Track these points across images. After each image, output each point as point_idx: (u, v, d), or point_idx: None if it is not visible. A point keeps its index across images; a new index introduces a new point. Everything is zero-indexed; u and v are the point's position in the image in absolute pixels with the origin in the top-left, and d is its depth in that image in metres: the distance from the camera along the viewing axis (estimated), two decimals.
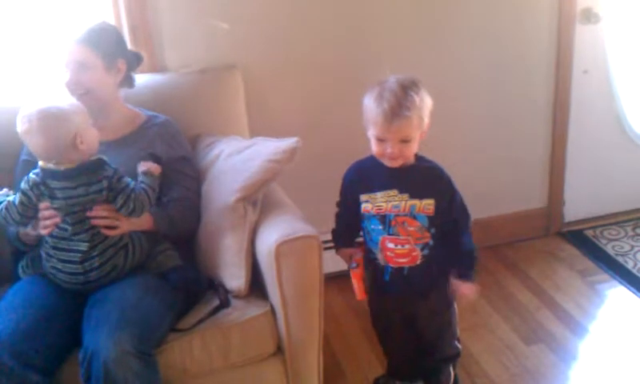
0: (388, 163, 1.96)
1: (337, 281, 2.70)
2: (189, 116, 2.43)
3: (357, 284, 2.07)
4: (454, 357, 2.28)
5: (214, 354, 1.98)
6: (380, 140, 1.91)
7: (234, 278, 2.10)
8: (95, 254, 1.94)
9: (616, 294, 2.97)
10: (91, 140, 1.94)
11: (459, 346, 2.27)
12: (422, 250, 2.02)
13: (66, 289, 1.97)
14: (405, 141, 1.90)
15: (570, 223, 3.56)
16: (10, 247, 2.14)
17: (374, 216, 2.00)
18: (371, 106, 1.90)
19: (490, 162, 3.30)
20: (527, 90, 3.23)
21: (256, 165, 2.09)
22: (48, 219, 1.93)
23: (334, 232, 2.18)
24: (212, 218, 2.13)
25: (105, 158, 1.97)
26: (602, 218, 3.58)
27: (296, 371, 2.08)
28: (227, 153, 2.25)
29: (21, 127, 1.88)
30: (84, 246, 1.93)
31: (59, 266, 1.96)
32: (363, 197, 2.01)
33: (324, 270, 2.00)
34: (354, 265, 2.08)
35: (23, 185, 1.92)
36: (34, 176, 1.91)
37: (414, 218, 1.97)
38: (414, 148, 1.95)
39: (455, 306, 2.18)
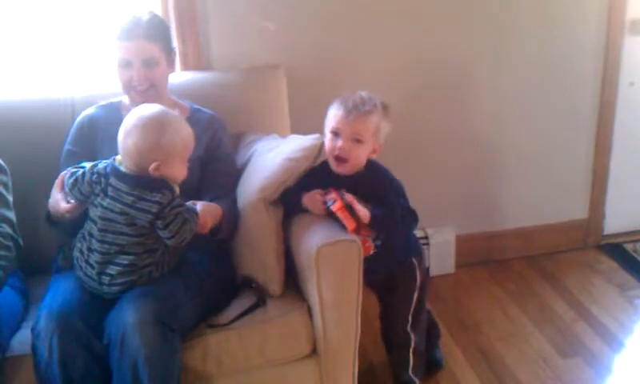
0: (335, 166, 2.09)
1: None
2: (232, 114, 2.43)
3: (342, 214, 1.97)
4: (405, 345, 2.31)
5: (250, 351, 2.00)
6: (335, 134, 2.07)
7: (267, 277, 2.11)
8: (107, 268, 1.89)
9: None
10: (174, 173, 1.90)
11: (412, 335, 2.30)
12: (374, 240, 2.11)
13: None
14: (357, 140, 2.05)
15: (608, 236, 3.51)
16: (58, 239, 2.16)
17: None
18: (334, 106, 2.10)
19: (532, 172, 3.27)
20: (572, 100, 3.20)
21: (277, 164, 2.08)
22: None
23: (284, 195, 2.10)
24: (243, 218, 2.13)
25: (175, 189, 1.90)
26: None
27: (331, 374, 2.08)
28: (259, 151, 2.26)
29: (132, 121, 1.85)
30: (98, 257, 1.89)
31: (82, 264, 1.93)
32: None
33: None
34: (331, 202, 2.00)
35: (89, 168, 1.91)
36: (102, 165, 1.89)
37: None
38: (363, 154, 2.08)
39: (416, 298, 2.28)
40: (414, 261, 2.27)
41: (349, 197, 2.01)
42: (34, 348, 1.81)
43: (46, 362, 1.77)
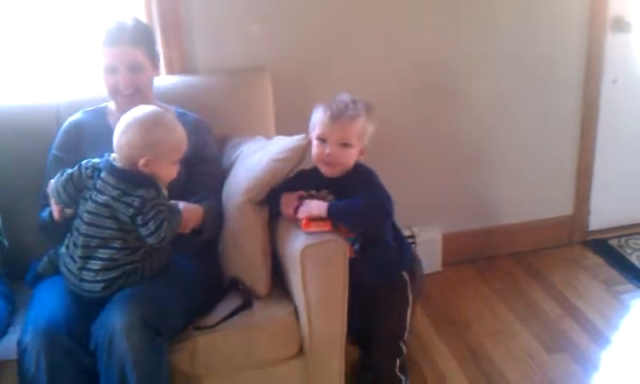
0: (325, 169, 2.08)
1: None
2: (217, 117, 2.44)
3: (314, 226, 1.99)
4: (395, 356, 2.25)
5: (237, 353, 2.01)
6: (321, 140, 2.06)
7: (254, 278, 2.12)
8: (88, 263, 1.90)
9: None
10: (163, 172, 1.93)
11: (403, 347, 2.24)
12: (353, 244, 2.09)
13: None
14: (345, 145, 2.04)
15: (594, 232, 3.53)
16: (46, 244, 2.13)
17: None
18: (319, 110, 2.09)
19: (517, 169, 3.29)
20: (555, 97, 3.22)
21: (263, 164, 2.09)
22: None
23: (269, 196, 2.10)
24: (228, 219, 2.14)
25: (162, 189, 1.92)
26: (627, 228, 3.55)
27: (317, 374, 2.10)
28: (245, 154, 2.26)
29: (129, 118, 1.90)
30: (80, 251, 1.90)
31: (67, 259, 1.95)
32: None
33: None
34: (299, 223, 2.01)
35: (84, 162, 1.94)
36: (98, 161, 1.93)
37: None
38: (351, 156, 2.07)
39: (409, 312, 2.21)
40: (405, 275, 2.19)
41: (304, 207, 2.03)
42: (20, 360, 1.80)
43: (33, 375, 1.77)
